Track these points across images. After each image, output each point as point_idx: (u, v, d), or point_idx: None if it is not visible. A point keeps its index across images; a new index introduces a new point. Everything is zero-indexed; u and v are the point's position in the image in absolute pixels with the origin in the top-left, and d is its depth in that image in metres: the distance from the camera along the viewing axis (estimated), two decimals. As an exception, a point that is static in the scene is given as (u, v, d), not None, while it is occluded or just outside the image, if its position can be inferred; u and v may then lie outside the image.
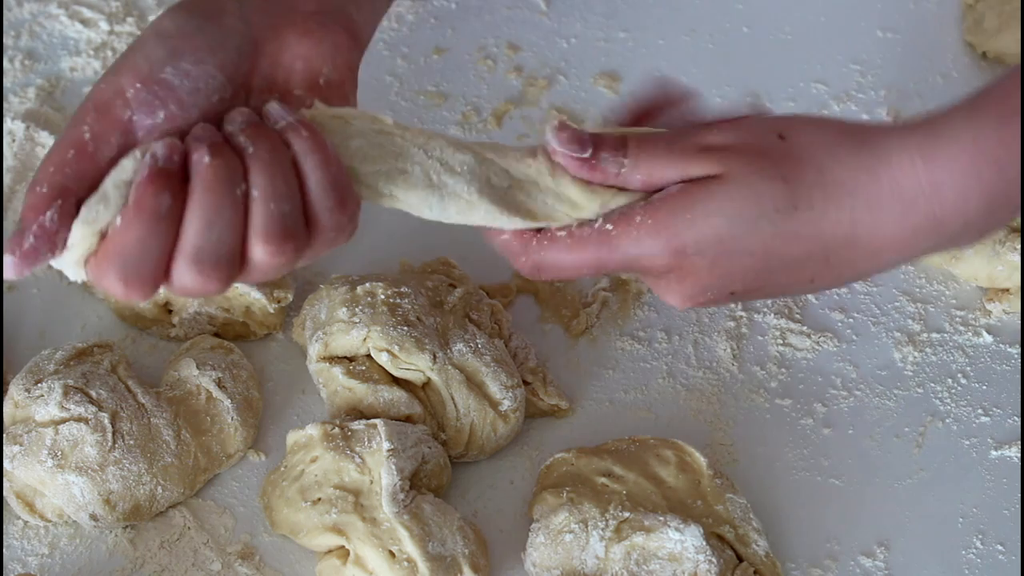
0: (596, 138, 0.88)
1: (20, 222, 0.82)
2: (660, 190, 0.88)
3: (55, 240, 0.82)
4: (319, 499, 1.00)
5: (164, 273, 0.83)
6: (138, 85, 0.84)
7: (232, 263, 0.83)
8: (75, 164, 0.83)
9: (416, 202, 0.88)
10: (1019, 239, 1.14)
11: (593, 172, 0.88)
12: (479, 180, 0.88)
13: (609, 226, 0.88)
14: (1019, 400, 1.12)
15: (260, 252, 0.83)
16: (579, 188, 0.89)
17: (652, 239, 0.87)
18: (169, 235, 0.82)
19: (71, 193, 0.82)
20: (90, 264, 0.83)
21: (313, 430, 1.03)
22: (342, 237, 0.86)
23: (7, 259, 0.81)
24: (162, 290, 1.08)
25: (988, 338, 1.15)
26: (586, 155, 0.87)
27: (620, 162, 0.87)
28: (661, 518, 0.98)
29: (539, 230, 0.90)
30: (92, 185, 0.83)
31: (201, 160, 0.82)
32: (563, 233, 0.89)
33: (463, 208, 0.88)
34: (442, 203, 0.88)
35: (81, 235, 0.82)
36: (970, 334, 1.15)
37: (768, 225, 0.86)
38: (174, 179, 0.82)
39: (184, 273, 0.82)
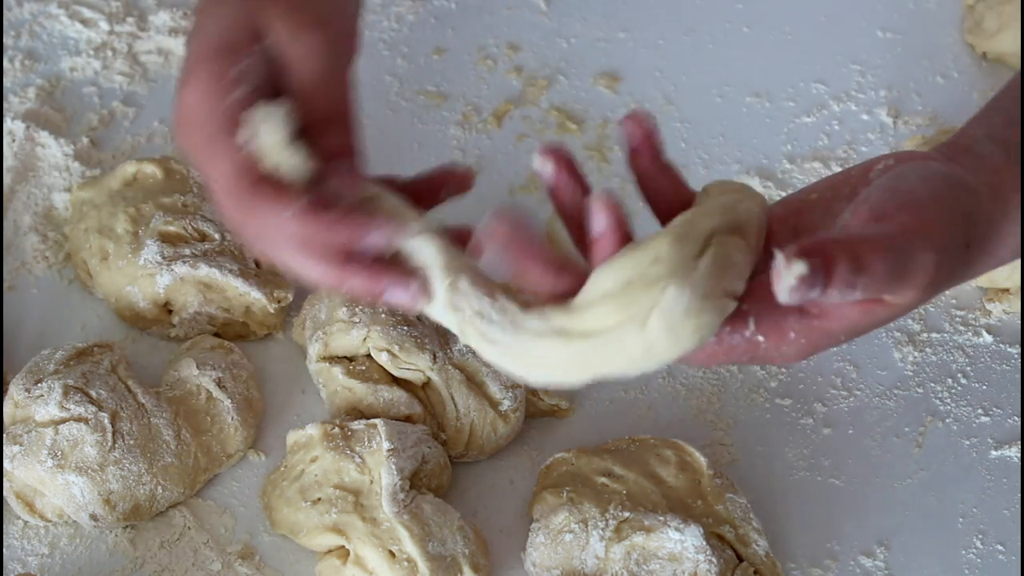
0: (827, 266, 0.74)
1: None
2: None
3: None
4: (319, 499, 1.00)
5: None
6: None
7: None
8: None
9: None
10: (1019, 239, 1.14)
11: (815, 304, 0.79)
12: None
13: (760, 338, 0.81)
14: (1019, 400, 1.11)
15: None
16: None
17: (800, 354, 0.81)
18: None
19: None
20: None
21: (313, 430, 1.03)
22: None
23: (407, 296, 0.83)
24: (162, 290, 1.10)
25: (988, 338, 1.15)
26: (815, 295, 0.75)
27: (851, 292, 0.76)
28: (661, 518, 0.98)
29: None
30: None
31: None
32: (712, 339, 0.81)
33: None
34: None
35: None
36: (970, 334, 1.15)
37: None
38: None
39: None
